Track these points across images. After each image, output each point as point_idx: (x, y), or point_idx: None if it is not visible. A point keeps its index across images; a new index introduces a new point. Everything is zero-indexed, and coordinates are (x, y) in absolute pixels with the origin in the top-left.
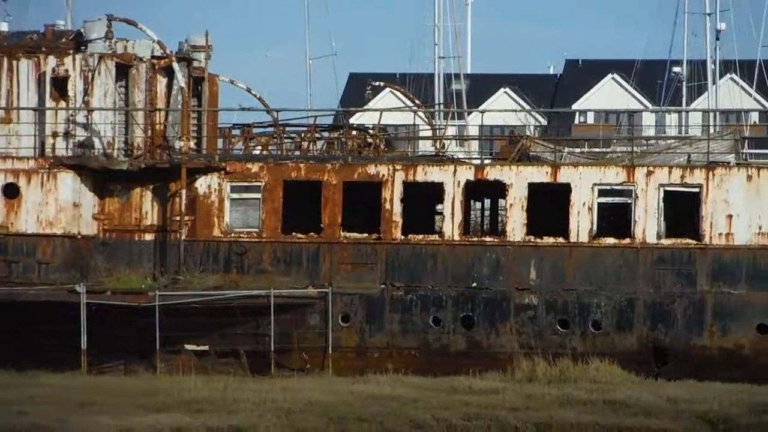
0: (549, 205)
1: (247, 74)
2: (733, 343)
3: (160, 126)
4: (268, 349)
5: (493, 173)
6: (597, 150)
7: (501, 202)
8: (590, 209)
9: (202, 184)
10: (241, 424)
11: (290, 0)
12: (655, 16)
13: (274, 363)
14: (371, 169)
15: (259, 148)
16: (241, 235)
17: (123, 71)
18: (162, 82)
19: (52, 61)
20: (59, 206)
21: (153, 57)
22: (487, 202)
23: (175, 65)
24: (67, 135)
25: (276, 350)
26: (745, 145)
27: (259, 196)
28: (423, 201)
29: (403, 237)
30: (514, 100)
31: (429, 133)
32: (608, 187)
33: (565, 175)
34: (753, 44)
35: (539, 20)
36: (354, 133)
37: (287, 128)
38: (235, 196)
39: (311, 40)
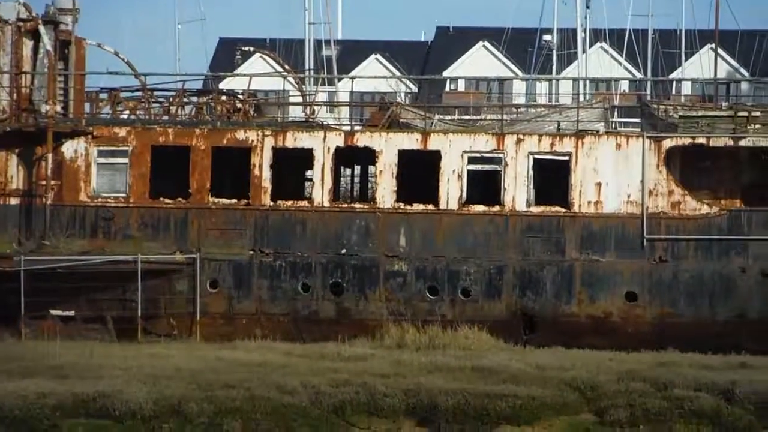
0: (419, 172)
1: (115, 38)
2: (602, 311)
3: (25, 89)
4: (135, 315)
5: (363, 140)
6: (467, 117)
7: (371, 168)
8: (460, 177)
9: (68, 148)
10: (107, 390)
11: None
12: None
13: (141, 329)
14: (240, 135)
15: (127, 112)
16: (108, 200)
17: None
18: (28, 45)
19: None
20: None
21: (19, 19)
22: (357, 169)
23: (42, 28)
24: None
25: (143, 316)
26: (615, 113)
27: (126, 161)
28: (292, 167)
29: (272, 203)
30: (385, 67)
31: (299, 99)
32: (478, 155)
33: (435, 143)
34: (623, 13)
35: None
36: (223, 98)
37: (155, 93)
38: (102, 160)
39: (180, 5)
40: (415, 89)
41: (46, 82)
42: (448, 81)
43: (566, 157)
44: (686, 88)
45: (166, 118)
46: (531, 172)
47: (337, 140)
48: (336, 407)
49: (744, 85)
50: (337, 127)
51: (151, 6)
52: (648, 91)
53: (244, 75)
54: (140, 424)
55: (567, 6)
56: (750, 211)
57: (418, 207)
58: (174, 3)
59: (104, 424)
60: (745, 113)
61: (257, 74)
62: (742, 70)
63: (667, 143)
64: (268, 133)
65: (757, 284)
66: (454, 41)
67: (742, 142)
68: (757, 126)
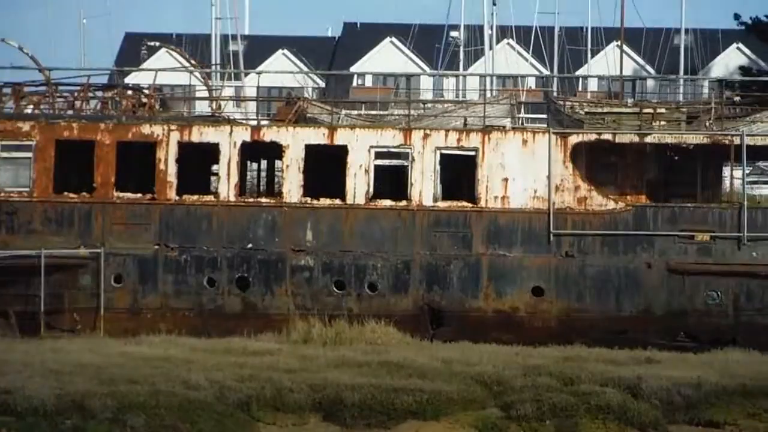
0: (326, 167)
1: (20, 34)
2: (508, 306)
3: None
4: (38, 309)
5: (269, 134)
6: (374, 113)
7: (278, 163)
8: (367, 171)
9: None
10: (8, 386)
11: None
12: None
13: (44, 324)
14: (146, 129)
15: (31, 107)
16: (11, 194)
17: None
18: None
19: None
20: None
21: None
22: (264, 164)
23: None
24: None
25: (46, 311)
26: (521, 109)
27: (30, 155)
28: (198, 162)
29: (177, 198)
30: (292, 62)
31: (205, 94)
32: (385, 150)
33: (342, 138)
34: (529, 10)
35: None
36: (129, 93)
37: (60, 88)
38: (5, 155)
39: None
40: (322, 85)
41: None
42: (355, 77)
43: (473, 153)
44: (592, 85)
45: (70, 112)
46: (438, 167)
47: (243, 135)
48: (241, 402)
49: (649, 82)
50: (244, 121)
51: (56, 1)
52: (554, 88)
53: (150, 70)
54: (42, 420)
55: (474, 3)
56: (655, 207)
57: (324, 202)
58: None
59: (6, 420)
60: (651, 110)
61: (163, 69)
62: (648, 68)
63: (573, 139)
64: (173, 127)
65: (663, 279)
66: (361, 37)
67: (648, 139)
68: (662, 122)
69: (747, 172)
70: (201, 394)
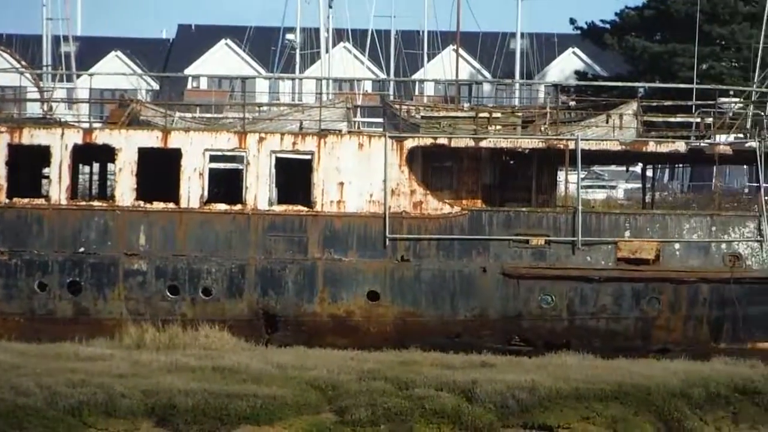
0: (160, 170)
1: None
2: (344, 310)
3: None
4: None
5: (102, 137)
6: (209, 116)
7: (110, 166)
8: (201, 175)
9: None
10: None
11: None
12: None
13: None
14: (35, 134)
15: None
16: None
17: None
18: None
19: None
20: None
21: None
22: (97, 167)
23: None
24: None
25: None
26: (357, 113)
27: None
28: (29, 164)
29: (7, 200)
30: (126, 64)
31: (36, 96)
32: (219, 153)
33: (175, 141)
34: (366, 14)
35: None
36: None
37: None
38: None
39: None
40: (156, 87)
41: None
42: (190, 79)
43: (308, 156)
44: (429, 89)
45: None
46: (273, 171)
47: (75, 137)
48: (72, 408)
49: (485, 87)
50: (76, 124)
51: None
52: (391, 92)
53: None
54: None
55: (310, 5)
56: (491, 211)
57: (158, 205)
58: None
59: None
60: (486, 114)
61: None
62: (484, 72)
63: (409, 143)
64: (3, 129)
65: (498, 283)
66: (196, 39)
67: (483, 143)
68: (498, 127)
69: (582, 176)
70: (31, 399)
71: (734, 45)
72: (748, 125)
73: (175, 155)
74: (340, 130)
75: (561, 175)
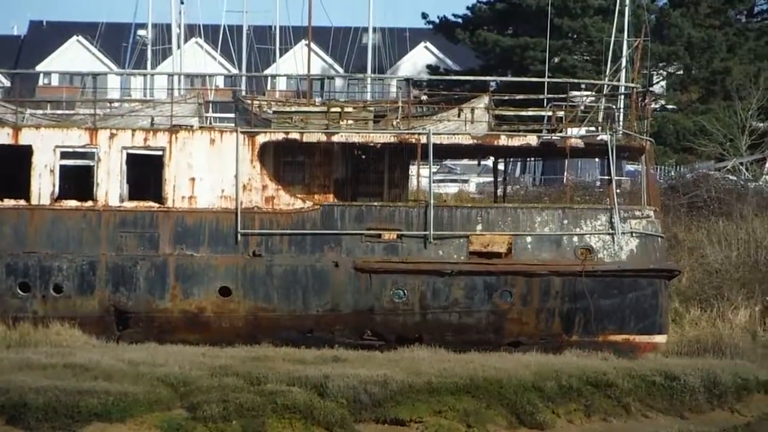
0: (11, 167)
1: None
2: (195, 306)
3: None
4: None
5: None
6: (60, 112)
7: None
8: (52, 171)
9: None
10: None
11: None
12: None
13: None
14: None
15: None
16: None
17: None
18: None
19: None
20: None
21: None
22: None
23: None
24: None
25: None
26: (210, 108)
27: None
28: None
29: None
30: None
31: None
32: (71, 150)
33: (26, 137)
34: (218, 9)
35: None
36: None
37: None
38: None
39: None
40: (7, 84)
41: None
42: (41, 75)
43: (160, 152)
44: (281, 84)
45: None
46: (125, 167)
47: None
48: None
49: (338, 81)
50: None
51: None
52: (243, 87)
53: None
54: None
55: (162, 1)
56: (343, 206)
57: (9, 202)
58: None
59: None
60: (338, 109)
61: None
62: (336, 67)
63: (261, 138)
64: None
65: (350, 278)
66: (48, 36)
67: (335, 138)
68: (350, 122)
69: (434, 170)
70: None
71: (586, 39)
72: (600, 118)
73: (26, 152)
74: (191, 126)
75: (413, 170)
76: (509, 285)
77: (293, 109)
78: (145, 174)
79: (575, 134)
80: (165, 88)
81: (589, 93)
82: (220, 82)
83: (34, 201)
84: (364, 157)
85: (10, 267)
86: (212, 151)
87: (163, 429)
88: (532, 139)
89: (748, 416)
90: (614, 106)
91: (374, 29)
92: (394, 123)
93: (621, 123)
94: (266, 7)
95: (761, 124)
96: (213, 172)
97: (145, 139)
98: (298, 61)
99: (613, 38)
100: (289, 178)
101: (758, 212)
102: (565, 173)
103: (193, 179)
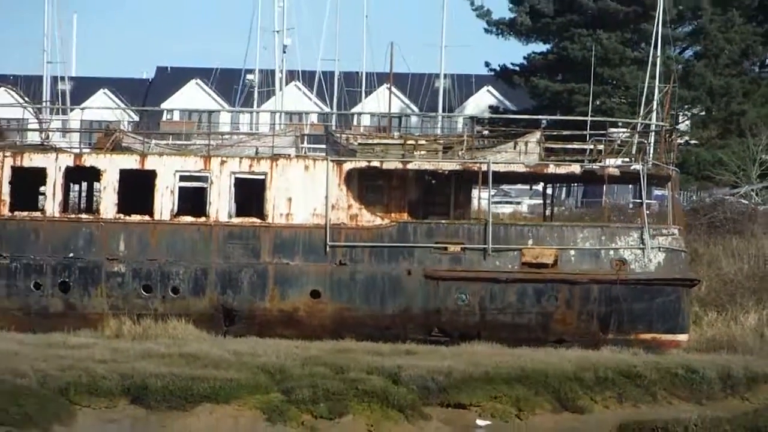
0: (138, 188)
1: None
2: (290, 306)
3: None
4: None
5: (89, 160)
6: (180, 143)
7: (96, 185)
8: (172, 192)
9: None
10: None
11: None
12: (232, 31)
13: None
14: (32, 157)
15: None
16: None
17: None
18: None
19: None
20: None
21: None
22: (85, 185)
23: None
24: None
25: None
26: (305, 141)
27: None
28: (29, 183)
29: (10, 213)
30: (112, 100)
31: (36, 126)
32: (188, 174)
33: (151, 163)
34: (314, 57)
35: (136, 30)
36: None
37: None
38: None
39: None
40: (136, 119)
41: None
42: (165, 112)
43: (262, 177)
44: (365, 121)
45: None
46: (233, 189)
47: (67, 161)
48: (61, 388)
49: (413, 119)
50: (68, 149)
51: None
52: (333, 123)
53: None
54: None
55: (267, 51)
56: (415, 223)
57: (136, 218)
58: None
59: None
60: (413, 141)
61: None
62: (412, 106)
63: (347, 166)
64: (7, 154)
65: (420, 284)
66: (171, 79)
67: (410, 166)
68: (422, 152)
69: (492, 193)
70: (27, 381)
71: (623, 85)
72: (633, 151)
73: (151, 175)
74: (289, 155)
75: (475, 193)
76: (555, 291)
77: (375, 141)
78: (250, 195)
79: (612, 164)
80: (268, 124)
81: (624, 130)
82: (314, 118)
83: (156, 216)
84: (433, 182)
85: (136, 272)
86: (306, 176)
87: (262, 410)
88: (576, 168)
89: (756, 403)
90: (646, 141)
91: (445, 75)
92: (460, 153)
93: (651, 155)
94: (354, 56)
95: None
96: (307, 194)
97: (250, 166)
98: (380, 101)
99: (646, 84)
100: (370, 200)
101: (766, 231)
102: (603, 197)
103: (289, 199)
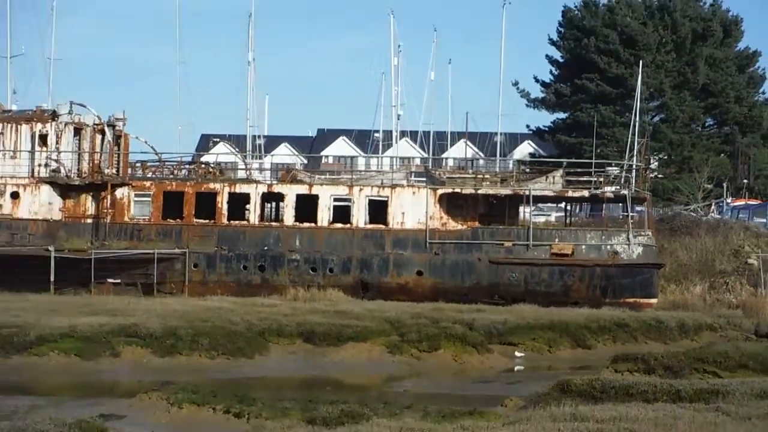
0: (307, 205)
1: (145, 131)
2: (404, 281)
3: (96, 161)
4: (153, 281)
5: (277, 188)
6: (333, 177)
7: (281, 204)
8: (329, 208)
9: (118, 192)
10: (137, 321)
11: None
12: (365, 105)
13: (156, 290)
14: (211, 186)
15: (150, 173)
16: (140, 220)
17: (77, 131)
18: (99, 137)
19: (39, 125)
20: (40, 203)
21: (94, 124)
22: (274, 204)
23: (106, 128)
24: (46, 166)
25: (157, 282)
26: (412, 175)
27: (149, 199)
28: (239, 203)
29: (227, 222)
30: (290, 149)
31: (243, 167)
32: (339, 197)
33: (315, 190)
34: (417, 121)
35: (304, 103)
36: (202, 166)
37: (166, 163)
38: (136, 199)
39: (177, 115)
40: (305, 162)
41: (108, 157)
42: (323, 157)
43: (386, 198)
44: (450, 162)
45: (171, 176)
46: (367, 206)
47: (263, 189)
48: (260, 331)
49: (481, 161)
50: (263, 181)
51: (159, 114)
52: (430, 164)
53: (212, 154)
54: (154, 340)
55: (388, 117)
56: (482, 228)
57: (306, 224)
58: (175, 115)
59: (135, 341)
60: (481, 176)
61: (221, 153)
62: (480, 153)
63: (440, 191)
64: (226, 185)
65: (486, 267)
66: (326, 136)
67: (479, 191)
68: (487, 183)
69: (532, 209)
70: (238, 327)
71: (615, 140)
72: (622, 182)
73: (315, 198)
74: (402, 184)
75: (521, 209)
76: (572, 271)
77: (456, 176)
78: (378, 210)
79: (608, 190)
80: (388, 165)
81: (616, 169)
82: (417, 161)
83: (319, 224)
84: (494, 201)
85: (306, 259)
86: (413, 198)
87: (386, 346)
88: (585, 193)
89: (700, 342)
90: (630, 176)
91: (502, 133)
92: (511, 184)
93: (633, 185)
94: (443, 121)
95: (708, 186)
96: (413, 209)
97: (378, 191)
98: (459, 150)
99: (629, 139)
100: (454, 213)
101: (707, 233)
102: (603, 211)
103: (403, 213)
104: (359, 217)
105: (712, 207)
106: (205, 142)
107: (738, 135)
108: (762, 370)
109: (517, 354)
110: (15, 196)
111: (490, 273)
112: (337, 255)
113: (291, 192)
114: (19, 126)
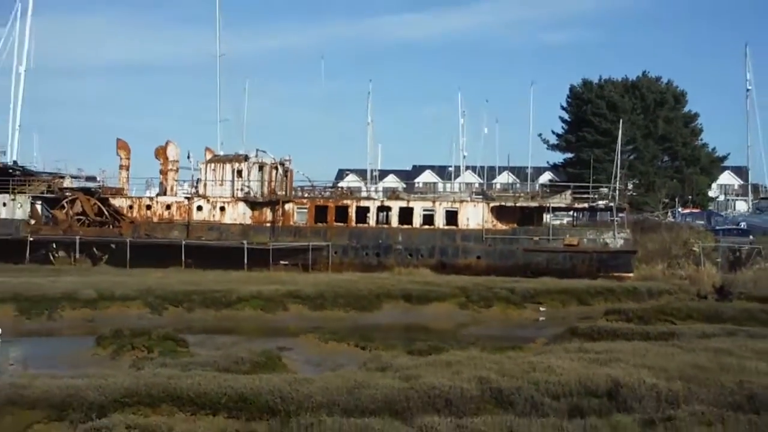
0: (407, 215)
1: (303, 166)
2: (469, 262)
3: (272, 187)
4: (308, 263)
5: (387, 203)
6: (422, 195)
7: (389, 213)
8: (420, 216)
9: (286, 206)
10: (299, 288)
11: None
12: (442, 146)
13: (310, 268)
14: (345, 202)
15: (306, 194)
16: (301, 224)
17: (261, 167)
18: (274, 171)
19: (237, 164)
20: (237, 213)
21: (271, 162)
22: (384, 213)
23: (279, 166)
24: (241, 189)
25: (311, 263)
26: (472, 194)
27: (306, 210)
28: (363, 212)
29: (354, 225)
30: (396, 179)
31: (365, 189)
32: (426, 208)
33: (411, 204)
34: (475, 158)
35: (401, 145)
36: (339, 189)
37: (317, 187)
38: (298, 210)
39: (325, 157)
40: (404, 186)
41: (279, 184)
42: (416, 183)
43: (456, 209)
44: (498, 186)
45: (320, 195)
46: (444, 214)
47: (377, 203)
48: (376, 295)
49: (518, 185)
50: (376, 199)
51: (313, 156)
52: (485, 187)
53: (346, 182)
54: (310, 300)
55: (456, 155)
56: (520, 228)
57: (405, 226)
58: (322, 158)
59: (298, 300)
60: (518, 195)
61: (351, 181)
62: (517, 180)
63: (491, 204)
64: (354, 201)
65: (522, 254)
66: (417, 170)
67: (518, 204)
68: (522, 198)
69: (551, 216)
70: (362, 292)
71: (605, 171)
72: (609, 198)
73: (411, 209)
74: (467, 200)
75: (545, 216)
76: (578, 256)
77: (502, 194)
78: (452, 216)
79: (601, 203)
80: (458, 188)
81: (606, 189)
82: (476, 185)
83: (414, 225)
84: (527, 211)
85: (405, 248)
86: (474, 209)
87: (458, 304)
88: (585, 204)
89: (663, 302)
90: (615, 194)
91: (531, 167)
92: (538, 199)
93: (617, 199)
94: (493, 158)
95: (666, 200)
96: (474, 216)
97: (451, 205)
98: (504, 178)
99: (614, 171)
100: (501, 218)
101: (666, 231)
102: (597, 217)
103: (467, 218)
104: (439, 221)
105: (669, 214)
106: (341, 174)
107: (685, 167)
108: (703, 319)
109: (541, 309)
110: (222, 209)
111: (524, 257)
112: (425, 245)
113: (395, 206)
114: (224, 165)
